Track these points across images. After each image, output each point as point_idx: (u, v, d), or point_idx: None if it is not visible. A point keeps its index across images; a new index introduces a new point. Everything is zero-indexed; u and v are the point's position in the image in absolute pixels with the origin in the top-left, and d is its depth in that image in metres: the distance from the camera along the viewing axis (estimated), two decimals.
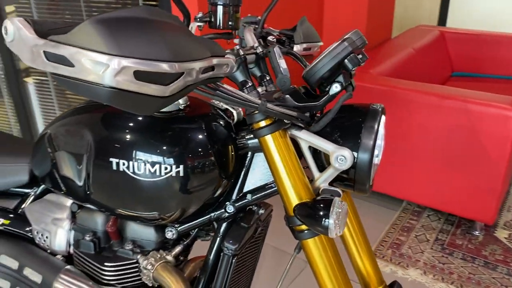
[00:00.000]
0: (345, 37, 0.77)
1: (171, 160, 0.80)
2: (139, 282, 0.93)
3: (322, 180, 0.80)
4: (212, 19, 0.70)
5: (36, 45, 0.49)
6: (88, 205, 0.93)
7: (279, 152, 0.78)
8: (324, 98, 0.80)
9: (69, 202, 1.00)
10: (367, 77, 2.25)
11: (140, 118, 0.84)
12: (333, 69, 0.76)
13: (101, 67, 0.47)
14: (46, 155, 0.93)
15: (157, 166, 0.80)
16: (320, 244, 0.79)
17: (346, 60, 0.76)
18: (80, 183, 0.87)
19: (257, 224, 0.94)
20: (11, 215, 1.07)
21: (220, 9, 0.70)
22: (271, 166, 0.79)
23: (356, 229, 0.98)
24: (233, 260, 0.88)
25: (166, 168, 0.80)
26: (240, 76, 0.80)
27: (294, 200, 0.78)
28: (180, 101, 0.84)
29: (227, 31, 0.73)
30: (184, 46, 0.54)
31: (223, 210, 0.91)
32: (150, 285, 0.91)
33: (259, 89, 0.84)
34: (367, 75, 2.28)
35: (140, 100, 0.51)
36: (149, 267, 0.88)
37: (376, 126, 0.77)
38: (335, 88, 0.80)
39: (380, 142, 0.85)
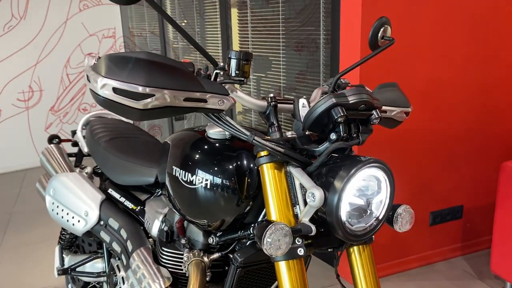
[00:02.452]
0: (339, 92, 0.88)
1: (201, 173, 1.03)
2: (182, 272, 1.17)
3: (303, 214, 0.90)
4: (226, 69, 0.93)
5: (85, 70, 0.84)
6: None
7: (270, 180, 0.92)
8: (322, 144, 0.91)
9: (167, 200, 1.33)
10: None
11: (204, 142, 1.10)
12: (321, 117, 0.88)
13: (96, 84, 0.78)
14: (162, 164, 1.28)
15: (194, 177, 1.05)
16: (288, 267, 0.88)
17: (332, 111, 0.86)
18: (168, 189, 1.19)
19: None
20: (139, 205, 1.47)
21: (232, 62, 0.92)
22: (263, 191, 0.93)
23: (369, 284, 0.99)
24: (237, 271, 1.03)
25: (199, 180, 1.04)
26: (271, 118, 0.99)
27: None
28: (226, 133, 1.07)
29: (239, 78, 0.94)
30: (163, 79, 0.79)
31: (248, 232, 1.07)
32: (186, 275, 1.13)
33: (289, 133, 1.00)
34: None
35: (124, 109, 0.79)
36: (186, 259, 1.12)
37: (347, 176, 0.83)
38: (332, 136, 0.90)
39: (372, 191, 0.89)
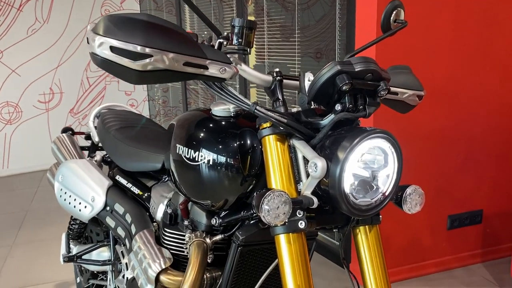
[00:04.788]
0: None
1: (204, 150, 1.01)
2: (184, 254, 1.14)
3: (305, 187, 0.86)
4: (229, 38, 0.91)
5: (86, 34, 0.83)
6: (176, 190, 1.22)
7: (271, 152, 0.89)
8: (327, 117, 0.88)
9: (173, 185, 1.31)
10: None
11: (208, 119, 1.08)
12: (327, 86, 0.85)
13: (94, 42, 0.76)
14: (168, 149, 1.26)
15: (197, 154, 1.03)
16: (289, 241, 0.84)
17: (336, 78, 0.83)
18: (171, 169, 1.17)
19: None
20: (146, 191, 1.45)
21: (235, 30, 0.90)
22: (265, 164, 0.90)
23: (375, 269, 0.95)
24: (239, 249, 1.00)
25: (202, 156, 1.02)
26: (276, 93, 0.96)
27: None
28: (231, 108, 1.05)
29: (243, 48, 0.92)
30: (162, 40, 0.78)
31: (252, 211, 1.04)
32: (188, 256, 1.10)
33: (294, 109, 0.98)
34: None
35: (121, 70, 0.77)
36: (188, 239, 1.09)
37: (350, 145, 0.80)
38: (337, 107, 0.87)
39: (378, 165, 0.85)
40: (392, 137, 0.85)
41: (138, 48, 0.76)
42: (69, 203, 1.55)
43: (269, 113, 0.87)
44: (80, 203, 1.52)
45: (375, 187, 0.88)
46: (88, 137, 1.96)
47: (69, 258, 1.64)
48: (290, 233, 0.85)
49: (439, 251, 2.41)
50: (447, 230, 2.40)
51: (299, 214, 0.84)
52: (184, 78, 0.84)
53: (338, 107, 0.87)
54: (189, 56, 0.81)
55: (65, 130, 2.05)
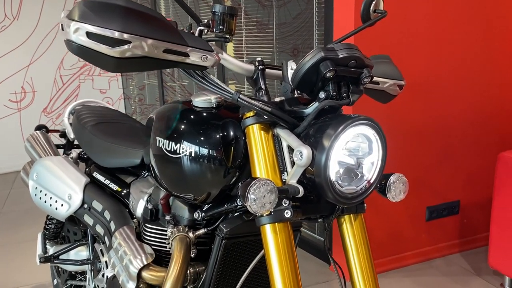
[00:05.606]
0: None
1: (186, 142, 0.98)
2: (166, 249, 1.12)
3: (290, 176, 0.85)
4: (210, 25, 0.89)
5: (60, 20, 0.79)
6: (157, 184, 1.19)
7: (255, 142, 0.87)
8: (311, 105, 0.87)
9: (153, 180, 1.28)
10: None
11: (189, 111, 1.05)
12: (310, 73, 0.83)
13: (69, 28, 0.73)
14: (147, 143, 1.23)
15: (178, 146, 1.00)
16: (275, 231, 0.83)
17: (320, 65, 0.82)
18: (151, 163, 1.14)
19: None
20: (125, 187, 1.41)
21: (216, 16, 0.88)
22: (249, 154, 0.89)
23: (361, 258, 0.94)
24: (223, 242, 0.98)
25: (183, 149, 0.99)
26: (258, 82, 0.94)
27: None
28: (212, 99, 1.03)
29: (224, 35, 0.90)
30: (141, 26, 0.75)
31: (235, 204, 1.02)
32: (170, 252, 1.08)
33: (277, 99, 0.96)
34: None
35: (99, 57, 0.74)
36: (170, 234, 1.06)
37: (335, 133, 0.79)
38: (321, 95, 0.86)
39: (363, 152, 0.84)
40: (376, 124, 0.85)
41: (116, 34, 0.73)
42: (45, 201, 1.50)
43: (252, 101, 0.85)
44: (56, 201, 1.47)
45: (359, 174, 0.87)
46: (63, 135, 1.91)
47: (45, 259, 1.58)
48: (276, 223, 0.83)
49: (419, 242, 2.44)
50: (426, 222, 2.44)
51: (285, 204, 0.83)
52: (164, 66, 0.82)
53: (322, 94, 0.86)
54: (169, 43, 0.79)
55: (39, 127, 1.99)
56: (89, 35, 0.73)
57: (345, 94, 0.87)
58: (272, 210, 0.81)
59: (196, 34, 0.88)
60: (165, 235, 1.11)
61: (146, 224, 1.15)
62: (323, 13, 2.27)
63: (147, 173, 1.37)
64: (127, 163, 1.39)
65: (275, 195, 0.79)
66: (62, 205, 1.46)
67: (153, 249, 1.14)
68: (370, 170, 0.87)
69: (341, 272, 1.00)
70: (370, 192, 0.88)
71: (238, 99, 0.85)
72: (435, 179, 2.39)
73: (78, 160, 1.70)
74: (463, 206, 2.50)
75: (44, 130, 1.96)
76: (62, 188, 1.47)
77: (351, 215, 0.95)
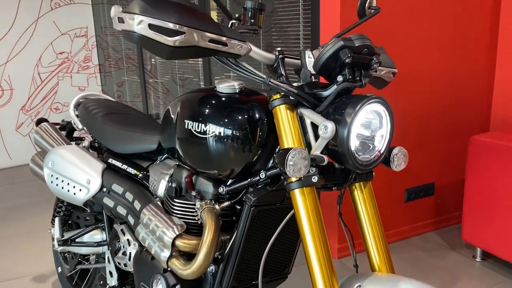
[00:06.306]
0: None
1: (215, 123, 1.11)
2: (194, 221, 1.24)
3: (315, 148, 0.99)
4: (241, 19, 1.03)
5: (115, 14, 0.91)
6: (181, 164, 1.31)
7: (283, 120, 1.01)
8: (328, 88, 1.02)
9: (174, 163, 1.40)
10: None
11: (215, 96, 1.18)
12: (330, 59, 0.98)
13: (133, 21, 0.85)
14: (167, 129, 1.34)
15: (208, 127, 1.13)
16: (303, 194, 0.97)
17: (340, 52, 0.97)
18: (176, 146, 1.26)
19: (286, 194, 1.15)
20: (142, 171, 1.52)
21: (248, 11, 1.02)
22: (278, 132, 1.03)
23: (370, 219, 1.10)
24: (251, 210, 1.11)
25: (212, 129, 1.12)
26: (279, 69, 1.08)
27: None
28: (235, 86, 1.16)
29: (253, 28, 1.04)
30: (192, 19, 0.88)
31: (258, 177, 1.15)
32: (199, 222, 1.20)
33: (295, 84, 1.10)
34: None
35: (156, 45, 0.87)
36: (199, 206, 1.19)
37: (354, 110, 0.94)
38: (339, 78, 1.01)
39: (373, 126, 1.00)
40: (386, 102, 1.00)
41: (174, 26, 0.86)
42: (62, 187, 1.59)
43: (282, 84, 0.99)
44: (74, 187, 1.56)
45: (371, 146, 1.03)
46: (62, 128, 1.98)
47: (63, 242, 1.67)
48: (304, 188, 0.97)
49: (398, 222, 2.64)
50: (404, 203, 2.64)
51: (312, 171, 0.97)
52: (207, 54, 0.95)
53: (339, 78, 1.00)
54: (212, 34, 0.92)
55: (40, 121, 2.05)
56: (150, 26, 0.85)
57: (358, 78, 1.02)
58: (302, 176, 0.95)
59: (229, 26, 1.02)
60: (193, 208, 1.23)
61: (174, 200, 1.26)
62: (309, 11, 2.42)
63: (164, 157, 1.48)
64: (144, 148, 1.50)
65: (307, 161, 0.93)
66: (80, 190, 1.55)
67: None
68: (380, 141, 1.03)
69: (350, 234, 1.16)
70: (380, 160, 1.04)
71: (269, 82, 0.99)
72: (412, 163, 2.58)
73: (89, 149, 1.78)
74: (437, 188, 2.72)
75: (46, 123, 2.03)
76: (79, 174, 1.56)
77: (361, 182, 1.10)
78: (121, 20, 0.90)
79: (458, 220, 2.67)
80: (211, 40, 0.92)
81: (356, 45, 0.98)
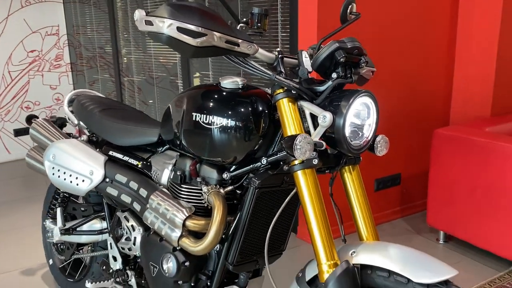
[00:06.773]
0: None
1: (222, 115, 1.25)
2: (200, 205, 1.37)
3: (314, 135, 1.15)
4: (249, 23, 1.17)
5: (142, 17, 1.03)
6: (184, 153, 1.44)
7: (286, 111, 1.17)
8: (324, 84, 1.18)
9: (176, 153, 1.52)
10: (479, 133, 2.37)
11: (216, 91, 1.31)
12: (327, 59, 1.14)
13: (162, 24, 0.98)
14: (169, 122, 1.46)
15: (216, 118, 1.26)
16: (305, 174, 1.12)
17: (335, 53, 1.13)
18: (180, 136, 1.38)
19: (284, 178, 1.30)
20: (143, 161, 1.64)
21: (255, 16, 1.16)
22: (281, 122, 1.18)
23: (359, 197, 1.27)
24: (256, 191, 1.26)
25: (219, 120, 1.26)
26: (279, 68, 1.23)
27: None
28: (239, 82, 1.30)
29: (259, 30, 1.18)
30: (212, 23, 1.02)
31: (260, 163, 1.30)
32: (205, 205, 1.33)
33: (296, 80, 1.25)
34: (481, 131, 2.39)
35: (182, 45, 1.00)
36: (206, 190, 1.32)
37: (349, 102, 1.10)
38: (333, 75, 1.17)
39: (362, 116, 1.17)
40: (373, 95, 1.17)
41: (198, 29, 0.99)
42: (64, 179, 1.68)
43: (286, 80, 1.14)
44: (77, 178, 1.65)
45: (361, 133, 1.20)
46: (53, 123, 2.06)
47: (65, 231, 1.75)
48: (306, 169, 1.13)
49: None
50: (374, 192, 2.86)
51: (313, 154, 1.13)
52: (223, 53, 1.09)
53: (334, 75, 1.16)
54: (228, 36, 1.06)
55: (30, 117, 2.11)
56: (178, 29, 0.98)
57: (349, 75, 1.19)
58: (304, 159, 1.11)
59: (238, 29, 1.16)
60: (199, 193, 1.36)
61: (182, 186, 1.39)
62: (288, 15, 2.58)
63: (164, 148, 1.60)
64: (145, 141, 1.61)
65: (311, 145, 1.09)
66: (83, 180, 1.65)
67: None
68: (368, 129, 1.20)
69: (339, 214, 1.33)
70: (368, 146, 1.21)
71: (275, 78, 1.14)
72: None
73: (88, 143, 1.87)
74: (403, 178, 2.95)
75: (36, 119, 2.09)
76: (82, 166, 1.65)
77: (351, 166, 1.27)
78: (149, 23, 1.02)
79: (423, 208, 2.91)
80: (227, 41, 1.06)
81: (349, 46, 1.14)
